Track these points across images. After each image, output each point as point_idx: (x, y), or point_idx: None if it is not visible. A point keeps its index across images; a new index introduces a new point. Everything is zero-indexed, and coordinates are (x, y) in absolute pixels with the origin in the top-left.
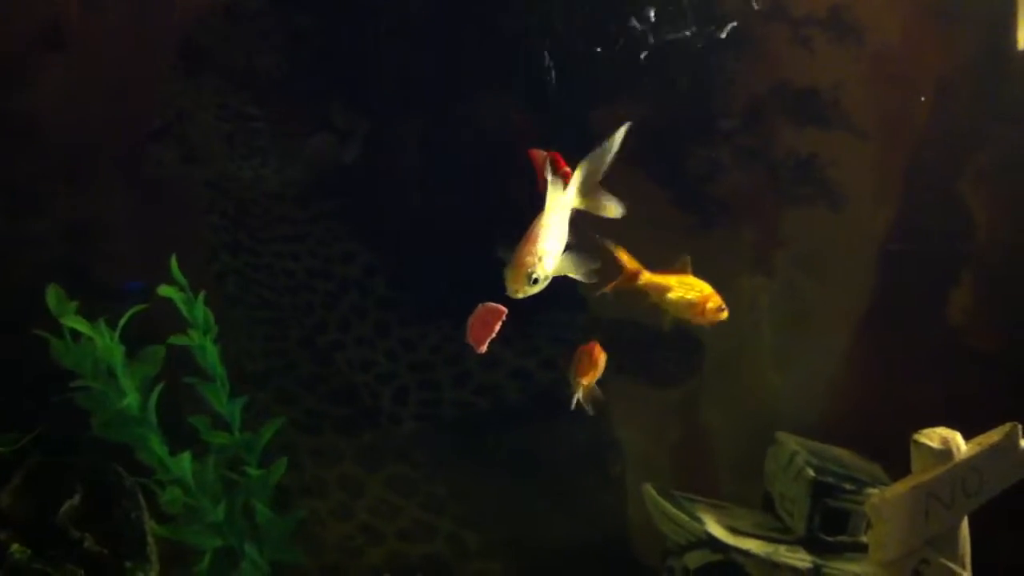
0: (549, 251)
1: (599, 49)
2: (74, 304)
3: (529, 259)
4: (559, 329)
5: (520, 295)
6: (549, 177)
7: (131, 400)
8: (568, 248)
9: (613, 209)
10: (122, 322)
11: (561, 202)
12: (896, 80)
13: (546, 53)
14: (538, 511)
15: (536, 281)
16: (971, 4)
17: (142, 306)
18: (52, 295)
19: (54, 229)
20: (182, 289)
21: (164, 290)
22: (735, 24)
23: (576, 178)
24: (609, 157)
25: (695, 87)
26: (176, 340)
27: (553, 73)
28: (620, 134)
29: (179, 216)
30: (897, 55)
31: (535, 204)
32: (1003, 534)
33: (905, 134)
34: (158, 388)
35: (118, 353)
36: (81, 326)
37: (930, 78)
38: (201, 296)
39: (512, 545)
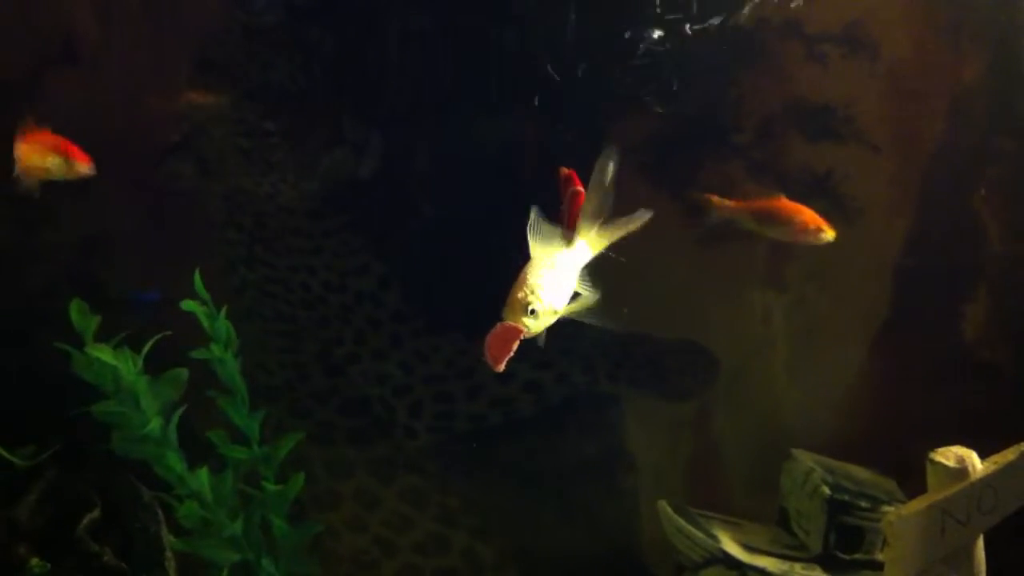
0: (543, 285)
1: (612, 62)
2: (96, 319)
3: (520, 294)
4: (572, 342)
5: (526, 331)
6: (529, 223)
7: (154, 425)
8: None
9: (636, 223)
10: (145, 350)
11: (562, 256)
12: (910, 95)
13: (558, 65)
14: (552, 524)
15: (534, 312)
16: (984, 20)
17: (167, 332)
18: (75, 310)
19: (68, 241)
20: (204, 303)
21: (186, 304)
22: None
23: (581, 232)
24: (607, 191)
25: (711, 101)
26: (198, 354)
27: (566, 85)
28: (609, 164)
29: (196, 230)
30: (911, 71)
31: (555, 213)
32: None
33: (919, 149)
34: (179, 411)
35: (141, 382)
36: (104, 355)
37: (943, 93)
38: (223, 310)
39: (526, 558)
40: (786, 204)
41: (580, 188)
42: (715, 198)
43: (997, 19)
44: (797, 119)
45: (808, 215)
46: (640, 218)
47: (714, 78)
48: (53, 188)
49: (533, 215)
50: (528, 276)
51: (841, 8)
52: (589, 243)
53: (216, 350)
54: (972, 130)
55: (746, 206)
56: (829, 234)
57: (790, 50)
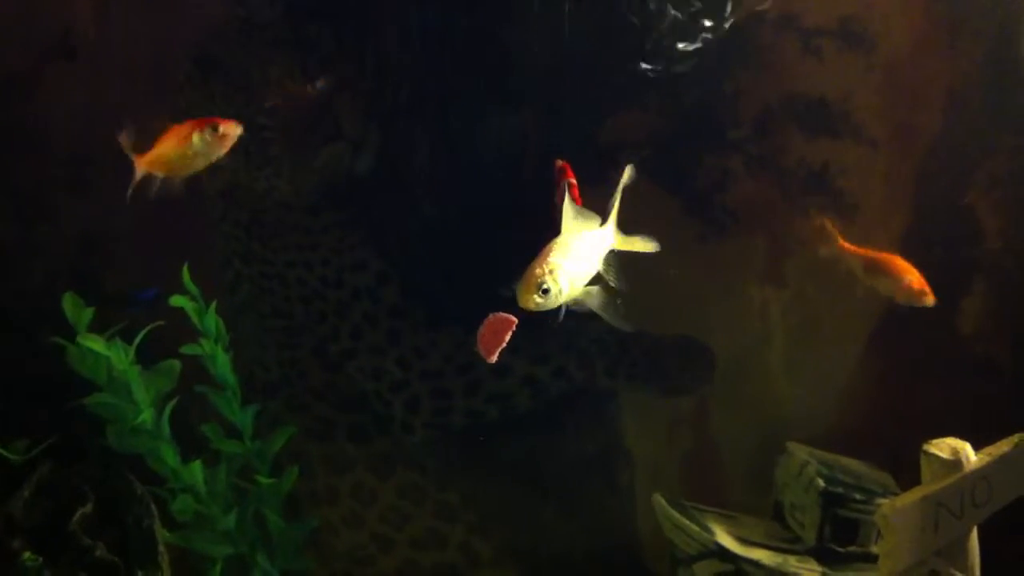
0: (563, 267)
1: (610, 59)
2: (90, 311)
3: (539, 270)
4: (570, 337)
5: (532, 306)
6: (566, 203)
7: (146, 416)
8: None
9: (645, 244)
10: (137, 340)
11: (592, 235)
12: (907, 89)
13: (556, 63)
14: (549, 520)
15: (547, 292)
16: (981, 14)
17: (159, 322)
18: (68, 302)
19: (66, 237)
20: (193, 299)
21: (176, 300)
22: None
23: (613, 217)
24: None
25: (707, 97)
26: (188, 349)
27: (564, 83)
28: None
29: (191, 225)
30: (908, 65)
31: (549, 211)
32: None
33: (916, 143)
34: (172, 402)
35: (133, 372)
36: (96, 345)
37: (940, 88)
38: (212, 305)
39: (524, 554)
40: (899, 262)
41: (573, 180)
42: (837, 235)
43: (994, 12)
44: (793, 114)
45: (916, 277)
46: (648, 245)
47: (712, 73)
48: (53, 186)
49: (568, 197)
50: (551, 254)
51: (838, 1)
52: (615, 232)
53: (206, 345)
54: (969, 124)
55: (862, 254)
56: (930, 299)
57: (786, 44)
